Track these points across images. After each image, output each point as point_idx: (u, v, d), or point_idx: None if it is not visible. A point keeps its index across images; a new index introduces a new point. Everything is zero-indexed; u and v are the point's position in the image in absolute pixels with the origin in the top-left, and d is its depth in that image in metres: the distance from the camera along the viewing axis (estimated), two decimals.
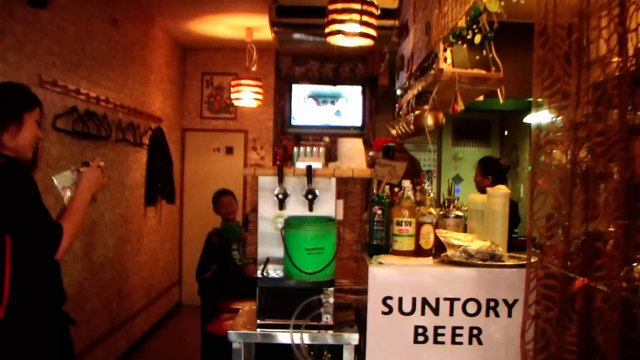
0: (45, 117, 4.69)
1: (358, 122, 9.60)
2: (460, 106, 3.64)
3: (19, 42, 4.35)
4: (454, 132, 9.78)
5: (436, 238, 2.97)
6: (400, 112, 4.84)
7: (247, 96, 7.54)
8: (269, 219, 3.03)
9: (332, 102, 9.63)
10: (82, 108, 5.34)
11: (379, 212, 3.03)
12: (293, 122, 9.64)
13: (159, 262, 8.27)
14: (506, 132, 9.51)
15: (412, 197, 3.01)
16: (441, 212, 3.28)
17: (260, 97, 7.63)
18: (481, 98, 4.46)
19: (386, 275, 2.72)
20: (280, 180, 3.00)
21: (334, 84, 9.65)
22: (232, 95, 7.66)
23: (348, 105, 9.62)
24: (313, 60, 9.68)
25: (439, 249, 2.95)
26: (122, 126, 6.36)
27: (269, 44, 8.28)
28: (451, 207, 3.31)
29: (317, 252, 2.82)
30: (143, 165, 7.35)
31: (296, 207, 3.02)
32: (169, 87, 8.53)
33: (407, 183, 3.00)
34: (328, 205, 3.03)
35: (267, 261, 3.04)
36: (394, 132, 4.79)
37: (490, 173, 5.70)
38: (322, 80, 9.69)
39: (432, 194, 3.24)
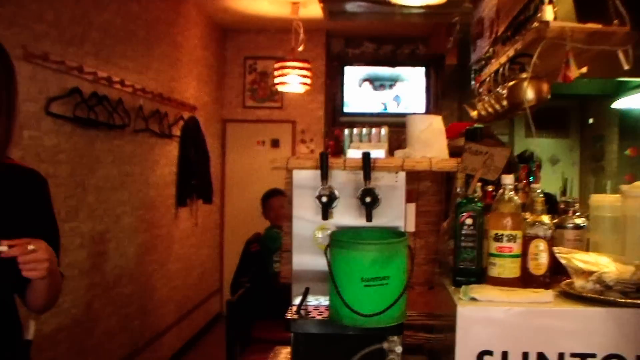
0: (34, 100, 3.83)
1: (421, 109, 8.71)
2: (573, 72, 2.67)
3: None
4: (526, 122, 8.72)
5: (551, 259, 2.07)
6: (481, 90, 3.88)
7: (292, 80, 6.88)
8: (308, 230, 2.25)
9: (391, 86, 8.78)
10: (88, 90, 4.47)
11: (469, 221, 2.12)
12: (346, 110, 8.82)
13: (194, 269, 7.49)
14: (591, 120, 8.43)
15: (517, 199, 2.11)
16: (555, 221, 2.33)
17: (307, 81, 6.97)
18: (584, 70, 3.49)
19: (483, 319, 1.87)
20: (325, 176, 2.16)
21: (393, 65, 8.80)
22: (276, 80, 7.01)
23: (409, 89, 8.78)
24: (368, 42, 8.91)
25: (552, 275, 2.09)
26: (144, 114, 5.50)
27: (318, 22, 7.52)
28: (570, 213, 2.35)
29: (379, 284, 1.94)
30: (174, 160, 6.55)
31: (348, 215, 2.23)
32: (205, 72, 7.75)
33: (509, 179, 2.10)
34: (394, 212, 2.22)
35: (307, 292, 2.22)
36: (474, 113, 3.83)
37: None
38: (378, 61, 8.86)
39: (541, 195, 2.24)
